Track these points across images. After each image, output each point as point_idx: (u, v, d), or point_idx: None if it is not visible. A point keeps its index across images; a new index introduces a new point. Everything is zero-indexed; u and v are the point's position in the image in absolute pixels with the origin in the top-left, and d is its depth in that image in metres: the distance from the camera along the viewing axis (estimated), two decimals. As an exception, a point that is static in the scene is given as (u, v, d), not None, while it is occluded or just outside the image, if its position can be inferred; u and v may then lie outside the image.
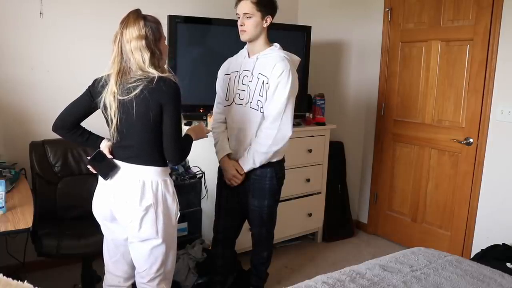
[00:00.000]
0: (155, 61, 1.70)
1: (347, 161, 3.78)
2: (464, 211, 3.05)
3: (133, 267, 1.95)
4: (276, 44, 2.22)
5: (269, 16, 2.14)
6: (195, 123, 2.61)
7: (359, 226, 3.84)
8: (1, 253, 2.46)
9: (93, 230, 2.15)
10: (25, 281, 1.14)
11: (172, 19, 2.81)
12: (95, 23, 2.78)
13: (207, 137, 2.09)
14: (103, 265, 1.99)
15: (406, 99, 3.39)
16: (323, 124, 3.36)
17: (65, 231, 2.31)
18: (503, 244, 2.69)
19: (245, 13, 2.10)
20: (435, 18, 3.12)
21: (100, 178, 1.83)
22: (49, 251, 2.17)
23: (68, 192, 2.53)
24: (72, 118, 1.84)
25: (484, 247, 2.74)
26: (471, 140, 2.97)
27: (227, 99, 2.30)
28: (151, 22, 1.70)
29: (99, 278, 2.42)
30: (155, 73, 1.66)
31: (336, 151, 3.68)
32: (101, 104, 1.72)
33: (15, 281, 1.13)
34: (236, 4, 2.15)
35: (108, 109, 1.70)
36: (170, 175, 1.86)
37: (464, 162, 3.03)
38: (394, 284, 1.68)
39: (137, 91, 1.64)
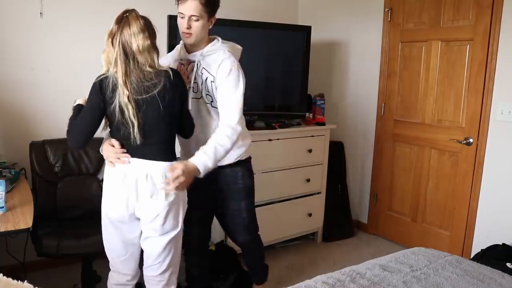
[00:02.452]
0: (158, 59, 1.77)
1: (347, 161, 3.78)
2: (464, 211, 3.05)
3: (138, 263, 1.97)
4: (217, 38, 2.04)
5: (213, 16, 1.96)
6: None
7: (359, 226, 3.84)
8: (1, 253, 2.46)
9: (93, 230, 2.15)
10: (25, 281, 1.14)
11: (172, 19, 2.81)
12: (95, 23, 2.78)
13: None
14: (103, 265, 1.99)
15: (406, 99, 3.39)
16: (323, 124, 3.37)
17: (65, 231, 2.31)
18: (503, 244, 2.69)
19: (192, 15, 1.87)
20: (435, 18, 3.12)
21: (114, 179, 1.81)
22: (49, 251, 2.17)
23: (68, 192, 2.53)
24: (86, 136, 1.80)
25: (484, 247, 2.74)
26: (471, 140, 2.97)
27: None
28: (147, 21, 1.74)
29: (99, 278, 2.43)
30: (165, 68, 1.75)
31: (336, 151, 3.68)
32: (117, 109, 1.69)
33: (15, 281, 1.13)
34: (179, 2, 1.89)
35: (126, 112, 1.68)
36: None
37: (464, 162, 3.03)
38: (394, 284, 1.68)
39: (159, 87, 1.70)
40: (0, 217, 1.80)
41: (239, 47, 2.12)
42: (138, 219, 1.83)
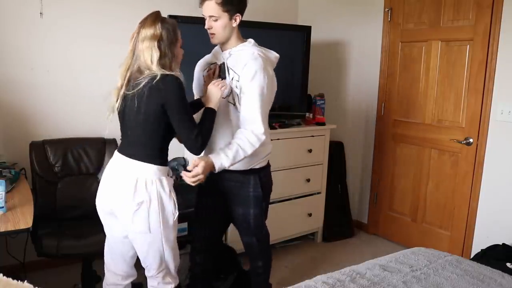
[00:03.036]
0: (165, 62, 1.72)
1: (347, 161, 3.78)
2: (464, 211, 3.05)
3: (131, 266, 1.98)
4: (250, 40, 2.05)
5: (238, 14, 1.94)
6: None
7: (359, 226, 3.84)
8: (1, 253, 2.46)
9: (93, 230, 2.15)
10: (25, 281, 1.14)
11: (172, 19, 2.80)
12: (95, 23, 2.78)
13: (223, 96, 1.91)
14: (103, 265, 2.00)
15: (406, 99, 3.39)
16: (323, 124, 3.37)
17: (65, 231, 2.31)
18: (503, 244, 2.69)
19: (210, 16, 1.91)
20: (435, 18, 3.12)
21: (104, 173, 1.87)
22: (49, 251, 2.18)
23: (68, 192, 2.53)
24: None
25: (484, 247, 2.74)
26: (471, 140, 2.97)
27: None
28: (169, 25, 1.74)
29: (99, 278, 2.42)
30: (160, 71, 1.68)
31: (336, 151, 3.68)
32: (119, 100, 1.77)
33: (15, 281, 1.13)
34: (200, 3, 1.94)
35: (118, 104, 1.76)
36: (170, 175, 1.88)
37: (464, 162, 3.03)
38: (394, 284, 1.68)
39: (139, 87, 1.68)
40: (0, 217, 1.80)
41: (275, 54, 2.07)
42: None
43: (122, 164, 1.80)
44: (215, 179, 2.02)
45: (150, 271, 1.88)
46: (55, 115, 2.74)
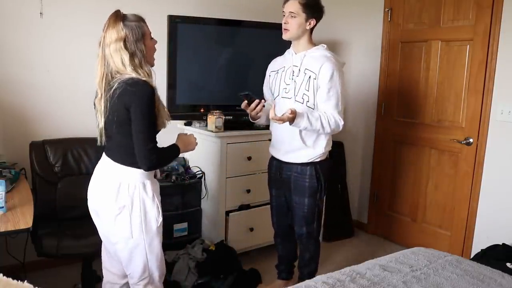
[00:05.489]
0: (136, 62, 1.68)
1: (347, 161, 3.78)
2: (464, 211, 3.05)
3: None
4: (323, 44, 2.31)
5: (313, 19, 2.21)
6: (186, 133, 2.19)
7: (359, 226, 3.84)
8: (1, 253, 2.46)
9: (93, 230, 2.14)
10: (25, 281, 1.14)
11: (172, 19, 2.81)
12: (95, 23, 2.76)
13: (194, 149, 1.95)
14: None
15: (406, 99, 3.39)
16: (323, 124, 3.37)
17: (65, 231, 2.31)
18: (503, 244, 2.69)
19: (290, 12, 2.16)
20: (435, 18, 3.12)
21: (93, 174, 1.87)
22: (49, 251, 2.17)
23: (68, 192, 2.53)
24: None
25: (484, 247, 2.74)
26: (471, 140, 2.97)
27: (273, 93, 2.39)
28: (131, 22, 1.68)
29: (99, 278, 2.42)
30: (131, 75, 1.65)
31: (336, 151, 3.68)
32: (96, 109, 1.76)
33: (15, 281, 1.13)
34: (284, 2, 2.21)
35: (97, 113, 1.74)
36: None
37: (464, 162, 3.03)
38: (394, 284, 1.68)
39: (110, 92, 1.65)
40: (0, 217, 1.80)
41: (343, 61, 2.36)
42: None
43: (107, 167, 1.79)
44: (281, 172, 2.39)
45: (132, 279, 1.83)
46: (55, 115, 2.74)
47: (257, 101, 2.20)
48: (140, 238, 1.76)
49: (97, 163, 2.62)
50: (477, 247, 2.90)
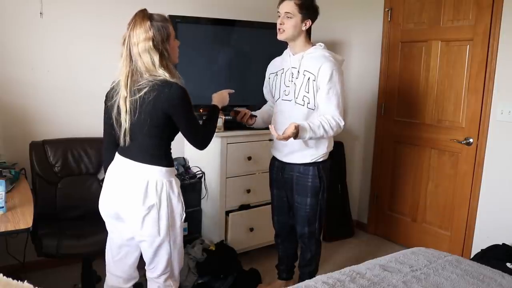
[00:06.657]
0: (163, 62, 1.69)
1: (347, 161, 3.78)
2: (464, 211, 3.05)
3: (134, 269, 1.97)
4: (320, 43, 2.29)
5: (309, 20, 2.20)
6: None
7: (359, 226, 3.84)
8: (1, 253, 2.46)
9: (93, 230, 2.15)
10: (25, 281, 1.14)
11: (172, 19, 2.80)
12: (95, 22, 2.78)
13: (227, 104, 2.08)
14: (104, 265, 1.99)
15: (406, 99, 3.39)
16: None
17: (65, 231, 2.30)
18: (503, 244, 2.69)
19: (286, 12, 2.15)
20: (435, 18, 3.12)
21: (106, 175, 1.85)
22: (49, 251, 2.17)
23: (68, 192, 2.53)
24: (108, 152, 1.89)
25: (484, 247, 2.74)
26: (471, 140, 2.97)
27: (273, 96, 2.40)
28: (158, 22, 1.69)
29: (99, 278, 2.42)
30: (162, 76, 1.66)
31: (336, 151, 3.67)
32: (115, 108, 1.71)
33: (15, 281, 1.13)
34: (280, 3, 2.20)
35: (122, 113, 1.69)
36: None
37: (464, 162, 3.03)
38: (394, 284, 1.68)
39: (141, 93, 1.64)
40: (0, 217, 1.80)
41: (341, 58, 2.33)
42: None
43: (129, 168, 1.77)
44: (282, 172, 2.39)
45: (155, 272, 1.86)
46: (55, 115, 2.74)
47: (242, 109, 2.33)
48: (167, 236, 1.78)
49: (97, 163, 2.64)
50: (477, 247, 2.90)
